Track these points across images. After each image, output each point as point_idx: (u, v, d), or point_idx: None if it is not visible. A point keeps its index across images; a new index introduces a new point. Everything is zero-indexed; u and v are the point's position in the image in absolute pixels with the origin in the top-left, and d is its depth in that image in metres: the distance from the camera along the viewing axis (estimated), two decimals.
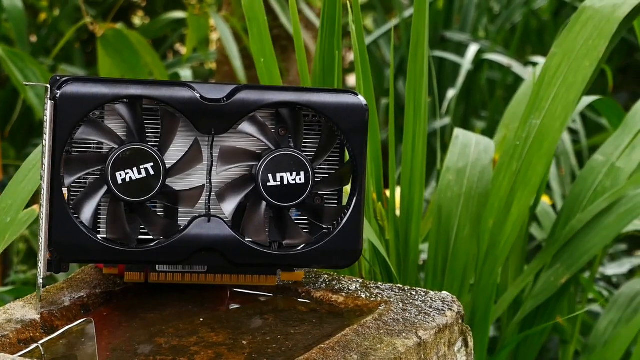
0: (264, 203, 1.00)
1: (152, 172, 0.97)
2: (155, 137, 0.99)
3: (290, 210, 1.02)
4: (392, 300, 1.02)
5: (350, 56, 3.71)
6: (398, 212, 1.39)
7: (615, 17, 1.38)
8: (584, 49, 1.38)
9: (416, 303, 1.02)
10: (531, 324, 1.49)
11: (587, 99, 1.67)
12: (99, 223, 1.00)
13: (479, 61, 2.94)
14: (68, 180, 0.97)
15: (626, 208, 1.45)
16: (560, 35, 1.40)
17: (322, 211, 1.03)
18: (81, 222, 0.97)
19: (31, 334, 0.96)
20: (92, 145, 0.99)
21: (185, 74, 2.83)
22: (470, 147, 1.49)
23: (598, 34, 1.38)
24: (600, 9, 1.39)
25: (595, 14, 1.39)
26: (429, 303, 1.02)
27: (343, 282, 1.06)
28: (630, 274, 2.10)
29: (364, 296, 1.04)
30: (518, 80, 2.95)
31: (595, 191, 1.49)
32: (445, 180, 1.45)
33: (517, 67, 2.62)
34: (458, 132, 1.53)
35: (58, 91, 0.96)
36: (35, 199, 1.01)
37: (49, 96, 0.97)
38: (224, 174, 1.01)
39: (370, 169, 1.34)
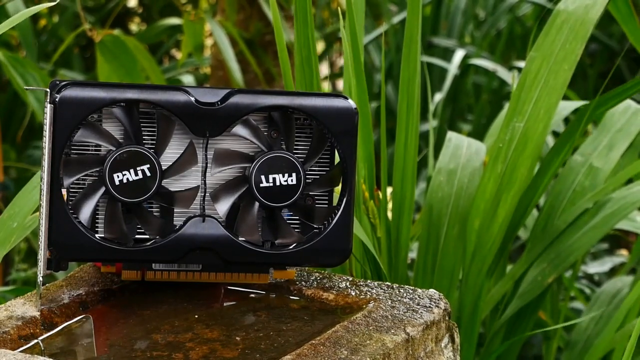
0: (257, 203, 1.02)
1: (148, 174, 0.99)
2: (152, 140, 1.01)
3: (282, 211, 1.03)
4: (381, 297, 1.03)
5: (341, 61, 3.72)
6: (389, 213, 1.41)
7: (588, 19, 1.39)
8: (562, 52, 1.40)
9: (404, 300, 1.03)
10: (516, 321, 1.51)
11: (574, 104, 1.69)
12: (97, 223, 1.01)
13: (465, 66, 2.96)
14: (67, 181, 0.99)
15: (612, 210, 1.47)
16: (537, 39, 1.42)
17: (313, 211, 1.04)
18: (80, 222, 0.99)
19: (31, 331, 0.97)
20: (91, 148, 1.00)
21: (188, 79, 2.84)
22: (461, 149, 1.51)
23: (574, 37, 1.39)
24: (574, 11, 1.40)
25: (569, 17, 1.41)
26: (416, 300, 1.03)
27: (333, 280, 1.08)
28: (612, 272, 2.12)
29: (353, 294, 1.05)
30: (503, 84, 2.97)
31: (574, 191, 1.51)
32: (436, 181, 1.46)
33: (502, 72, 2.64)
34: (451, 134, 1.54)
35: (57, 95, 0.97)
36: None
37: (48, 100, 0.98)
38: (218, 175, 1.02)
39: (363, 169, 1.36)
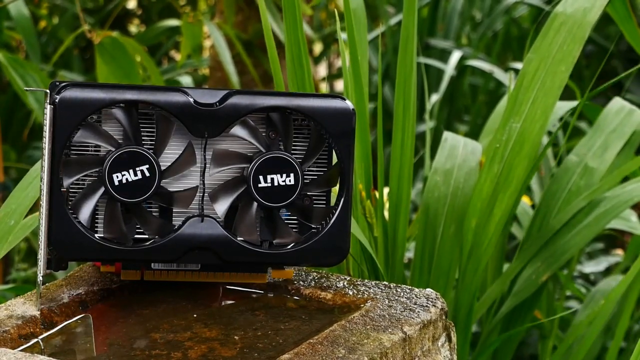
0: (255, 203, 1.03)
1: (147, 174, 1.00)
2: (151, 140, 1.02)
3: (280, 211, 1.04)
4: (378, 297, 1.04)
5: (338, 62, 3.73)
6: (386, 213, 1.42)
7: (586, 22, 1.40)
8: (559, 54, 1.41)
9: (401, 300, 1.04)
10: (511, 320, 1.52)
11: (569, 104, 1.70)
12: (97, 223, 1.02)
13: (461, 67, 2.96)
14: (67, 182, 1.00)
15: (605, 209, 1.48)
16: (535, 41, 1.43)
17: (311, 211, 1.05)
18: (79, 222, 0.99)
19: (31, 330, 0.98)
20: (90, 148, 1.01)
21: (186, 80, 2.85)
22: (458, 149, 1.51)
23: (572, 39, 1.40)
24: (572, 14, 1.42)
25: (568, 19, 1.42)
26: (413, 300, 1.04)
27: (331, 280, 1.08)
28: (607, 271, 2.13)
29: (351, 293, 1.06)
30: (499, 85, 2.98)
31: (569, 191, 1.52)
32: (432, 181, 1.47)
33: (498, 73, 2.66)
34: (447, 134, 1.55)
35: (57, 96, 0.98)
36: (38, 204, 1.03)
37: (48, 101, 0.99)
38: (217, 175, 1.03)
39: (360, 169, 1.37)
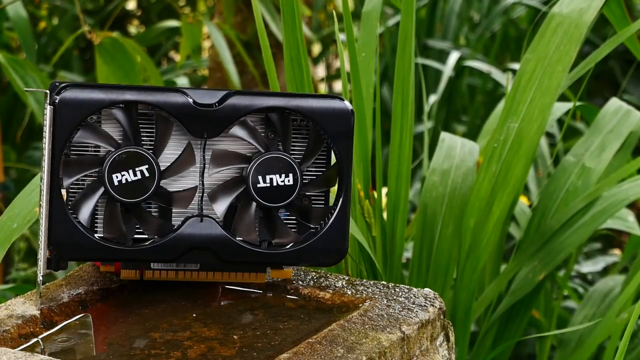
0: (254, 204, 1.03)
1: (147, 174, 1.00)
2: (150, 141, 1.02)
3: (279, 211, 1.04)
4: (376, 296, 1.04)
5: (337, 63, 3.73)
6: (384, 213, 1.42)
7: (582, 22, 1.41)
8: (556, 54, 1.42)
9: (400, 299, 1.04)
10: (509, 319, 1.52)
11: (568, 105, 1.71)
12: (96, 223, 1.02)
13: (459, 68, 2.97)
14: (67, 182, 1.00)
15: (601, 208, 1.49)
16: (533, 41, 1.44)
17: (309, 211, 1.05)
18: (79, 222, 1.00)
19: (31, 329, 0.98)
20: (90, 148, 1.01)
21: (182, 81, 2.86)
22: (455, 150, 1.52)
23: (568, 39, 1.41)
24: (568, 14, 1.43)
25: (564, 20, 1.43)
26: (412, 299, 1.04)
27: (330, 279, 1.09)
28: (605, 271, 2.13)
29: (349, 293, 1.06)
30: (497, 86, 2.99)
31: (567, 191, 1.53)
32: (430, 181, 1.48)
33: (496, 74, 2.66)
34: (444, 135, 1.56)
35: (57, 97, 0.98)
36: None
37: (48, 101, 0.99)
38: (216, 175, 1.04)
39: (359, 169, 1.37)
